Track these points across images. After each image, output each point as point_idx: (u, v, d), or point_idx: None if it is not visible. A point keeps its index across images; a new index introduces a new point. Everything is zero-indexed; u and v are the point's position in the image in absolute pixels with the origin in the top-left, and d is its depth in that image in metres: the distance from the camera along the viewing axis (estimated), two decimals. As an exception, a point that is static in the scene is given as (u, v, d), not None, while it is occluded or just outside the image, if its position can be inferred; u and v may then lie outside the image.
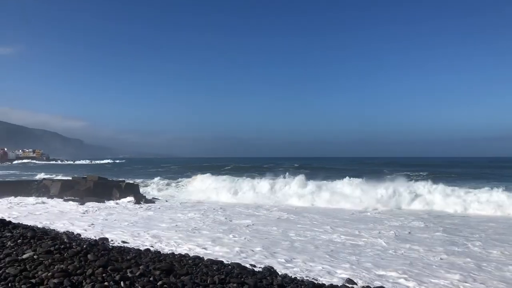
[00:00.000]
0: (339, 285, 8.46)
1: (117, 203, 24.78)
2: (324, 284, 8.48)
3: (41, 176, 42.95)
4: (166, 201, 27.80)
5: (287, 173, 33.78)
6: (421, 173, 51.43)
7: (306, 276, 9.14)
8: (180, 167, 77.90)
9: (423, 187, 25.06)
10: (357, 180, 28.79)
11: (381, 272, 9.88)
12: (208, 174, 36.39)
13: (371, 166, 74.39)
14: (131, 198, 26.28)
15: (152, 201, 27.08)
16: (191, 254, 10.36)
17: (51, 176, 40.41)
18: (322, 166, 69.97)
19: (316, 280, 8.84)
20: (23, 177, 45.92)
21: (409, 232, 15.86)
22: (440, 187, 24.92)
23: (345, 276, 9.37)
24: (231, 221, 18.34)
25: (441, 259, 11.56)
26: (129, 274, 5.66)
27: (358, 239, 14.31)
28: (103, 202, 24.91)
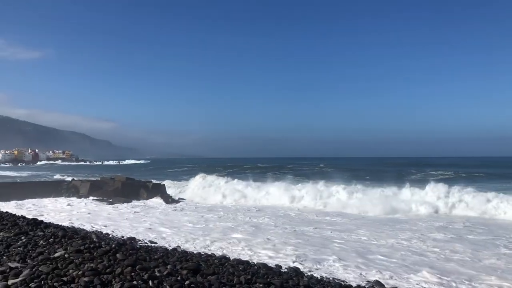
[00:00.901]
0: (366, 287, 8.36)
1: (144, 203, 25.16)
2: (351, 286, 8.38)
3: (57, 177, 43.93)
4: (192, 201, 28.03)
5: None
6: (450, 172, 50.33)
7: (334, 277, 9.05)
8: (204, 167, 78.41)
9: (458, 191, 23.88)
10: (384, 183, 28.34)
11: (413, 275, 9.55)
12: (214, 175, 35.51)
13: (397, 166, 73.02)
14: (158, 198, 26.64)
15: (178, 201, 27.38)
16: (241, 255, 10.43)
17: (61, 177, 41.58)
18: (347, 167, 69.15)
19: (344, 281, 8.74)
20: (42, 178, 47.09)
21: (445, 235, 15.28)
22: (472, 189, 23.89)
23: (374, 277, 9.21)
24: (262, 221, 18.29)
25: (488, 262, 11.12)
26: (157, 273, 5.72)
27: (390, 240, 13.96)
28: (131, 201, 25.35)
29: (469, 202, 22.08)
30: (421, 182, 30.41)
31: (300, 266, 9.81)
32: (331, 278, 8.88)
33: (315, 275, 9.04)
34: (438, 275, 9.53)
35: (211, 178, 34.25)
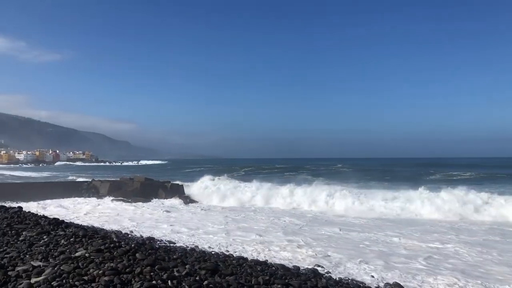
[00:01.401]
0: (385, 289, 8.25)
1: (163, 203, 25.36)
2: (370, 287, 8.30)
3: (70, 178, 44.45)
4: (202, 202, 28.00)
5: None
6: (470, 173, 49.30)
7: (353, 278, 8.95)
8: (221, 167, 78.56)
9: (478, 192, 22.91)
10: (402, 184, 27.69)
11: (439, 278, 9.31)
12: (219, 177, 34.59)
13: (416, 167, 71.97)
14: (177, 199, 26.84)
15: (196, 201, 27.53)
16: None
17: (74, 178, 42.26)
18: (365, 168, 68.55)
19: (363, 283, 8.64)
20: (58, 179, 47.79)
21: (471, 237, 14.81)
22: (492, 191, 23.08)
23: (395, 279, 9.06)
24: (283, 223, 18.12)
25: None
26: (176, 273, 5.76)
27: (414, 242, 13.64)
28: (150, 201, 25.61)
29: (491, 205, 21.37)
30: (441, 183, 29.94)
31: (319, 268, 9.72)
32: (350, 280, 8.79)
33: (333, 276, 8.96)
34: (465, 279, 9.28)
35: (217, 180, 33.47)
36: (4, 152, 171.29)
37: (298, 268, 9.42)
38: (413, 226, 17.30)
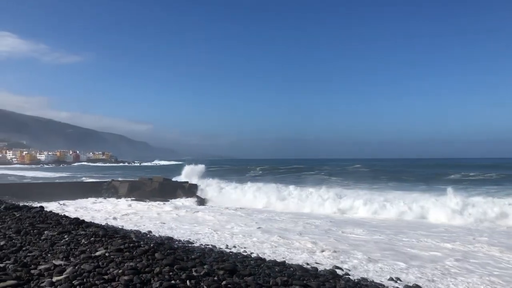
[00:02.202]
0: (405, 291, 8.14)
1: (182, 203, 25.53)
2: (389, 289, 8.20)
3: (83, 179, 45.02)
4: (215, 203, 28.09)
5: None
6: (489, 174, 48.09)
7: (372, 280, 8.84)
8: (238, 167, 78.59)
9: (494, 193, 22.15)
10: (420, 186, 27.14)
11: (460, 281, 9.09)
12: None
13: (434, 167, 70.81)
14: (195, 199, 27.03)
15: (213, 202, 27.65)
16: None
17: (84, 179, 42.89)
18: (383, 168, 67.69)
19: (382, 285, 8.54)
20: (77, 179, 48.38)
21: (497, 239, 14.45)
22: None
23: (415, 282, 8.92)
24: (304, 225, 17.94)
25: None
26: (194, 273, 5.78)
27: (435, 246, 13.33)
28: (168, 201, 25.81)
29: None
30: (460, 183, 29.38)
31: (338, 269, 9.64)
32: (369, 282, 8.69)
33: (352, 278, 8.87)
34: (491, 283, 9.05)
35: (232, 181, 33.19)
36: (26, 152, 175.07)
37: (316, 269, 9.36)
38: (434, 229, 17.04)
